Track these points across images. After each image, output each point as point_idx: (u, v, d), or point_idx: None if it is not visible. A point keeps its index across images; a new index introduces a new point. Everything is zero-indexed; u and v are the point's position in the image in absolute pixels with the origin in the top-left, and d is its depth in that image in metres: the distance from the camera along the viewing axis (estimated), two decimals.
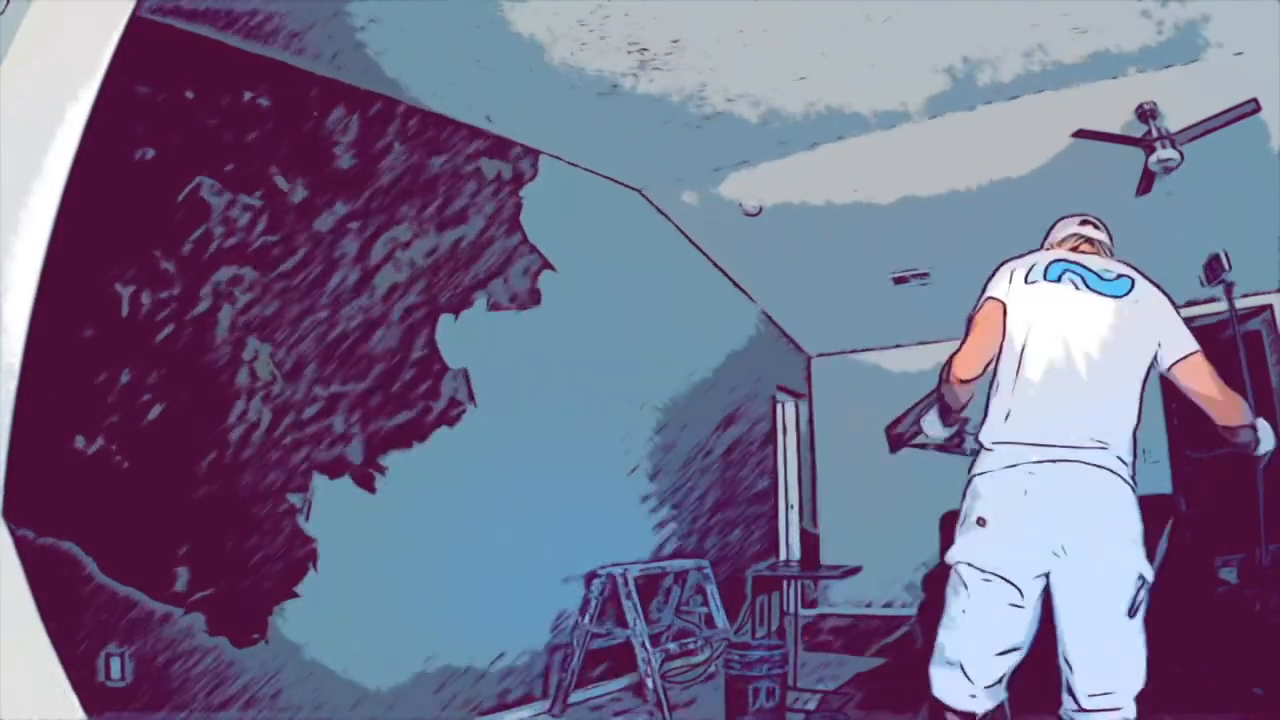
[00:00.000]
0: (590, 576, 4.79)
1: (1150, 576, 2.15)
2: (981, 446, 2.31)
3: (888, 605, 6.04)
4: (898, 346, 6.70)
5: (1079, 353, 2.25)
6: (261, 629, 3.47)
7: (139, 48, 2.06)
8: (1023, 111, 4.34)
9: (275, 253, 3.70)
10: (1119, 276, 2.38)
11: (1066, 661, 2.16)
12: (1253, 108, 3.99)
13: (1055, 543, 2.14)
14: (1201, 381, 2.26)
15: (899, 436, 2.87)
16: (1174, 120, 4.22)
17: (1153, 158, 4.24)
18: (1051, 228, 2.76)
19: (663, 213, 5.76)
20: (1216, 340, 5.32)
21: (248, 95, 3.65)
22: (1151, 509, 5.40)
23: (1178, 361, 2.27)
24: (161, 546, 3.26)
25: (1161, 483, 5.59)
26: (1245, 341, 4.43)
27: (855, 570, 5.01)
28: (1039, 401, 2.24)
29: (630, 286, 5.40)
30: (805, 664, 5.07)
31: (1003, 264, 2.49)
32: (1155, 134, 4.22)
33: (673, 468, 5.66)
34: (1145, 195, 4.47)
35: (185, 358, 3.38)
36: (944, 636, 2.30)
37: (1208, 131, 4.12)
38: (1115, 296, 2.32)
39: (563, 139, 4.84)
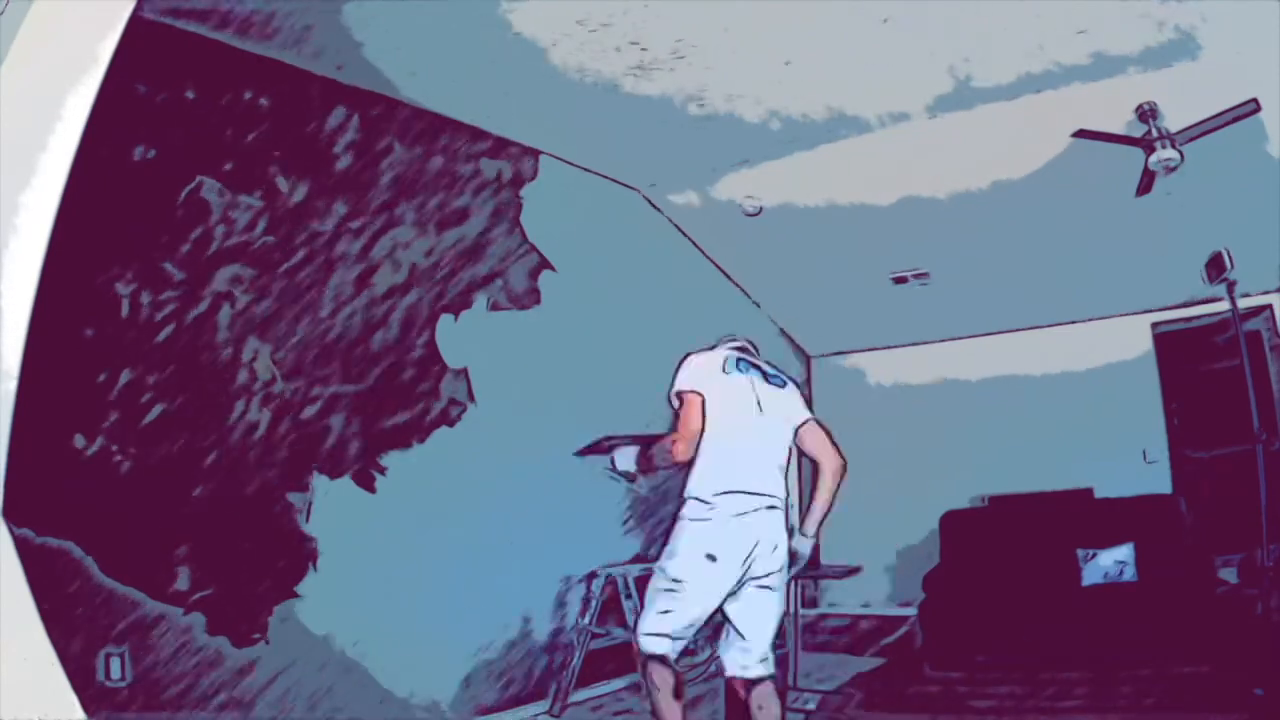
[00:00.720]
0: (590, 576, 4.79)
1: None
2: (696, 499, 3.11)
3: (888, 605, 6.03)
4: (898, 346, 6.69)
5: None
6: (261, 629, 3.47)
7: (139, 48, 2.06)
8: (1023, 111, 4.33)
9: (275, 253, 3.69)
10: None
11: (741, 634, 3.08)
12: (1253, 108, 3.98)
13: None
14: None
15: (597, 448, 3.70)
16: (1174, 120, 4.22)
17: (1153, 158, 4.24)
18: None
19: (663, 213, 5.75)
20: (1216, 340, 5.33)
21: (248, 95, 3.65)
22: (1151, 509, 5.42)
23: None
24: (161, 546, 3.26)
25: (1161, 483, 5.58)
26: (1245, 341, 4.43)
27: (855, 570, 5.00)
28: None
29: (630, 286, 5.40)
30: (805, 664, 5.07)
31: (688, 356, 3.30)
32: (1155, 134, 4.22)
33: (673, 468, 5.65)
34: (1145, 195, 4.47)
35: (185, 358, 3.38)
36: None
37: (1208, 131, 4.12)
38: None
39: (563, 139, 4.84)
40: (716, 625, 5.15)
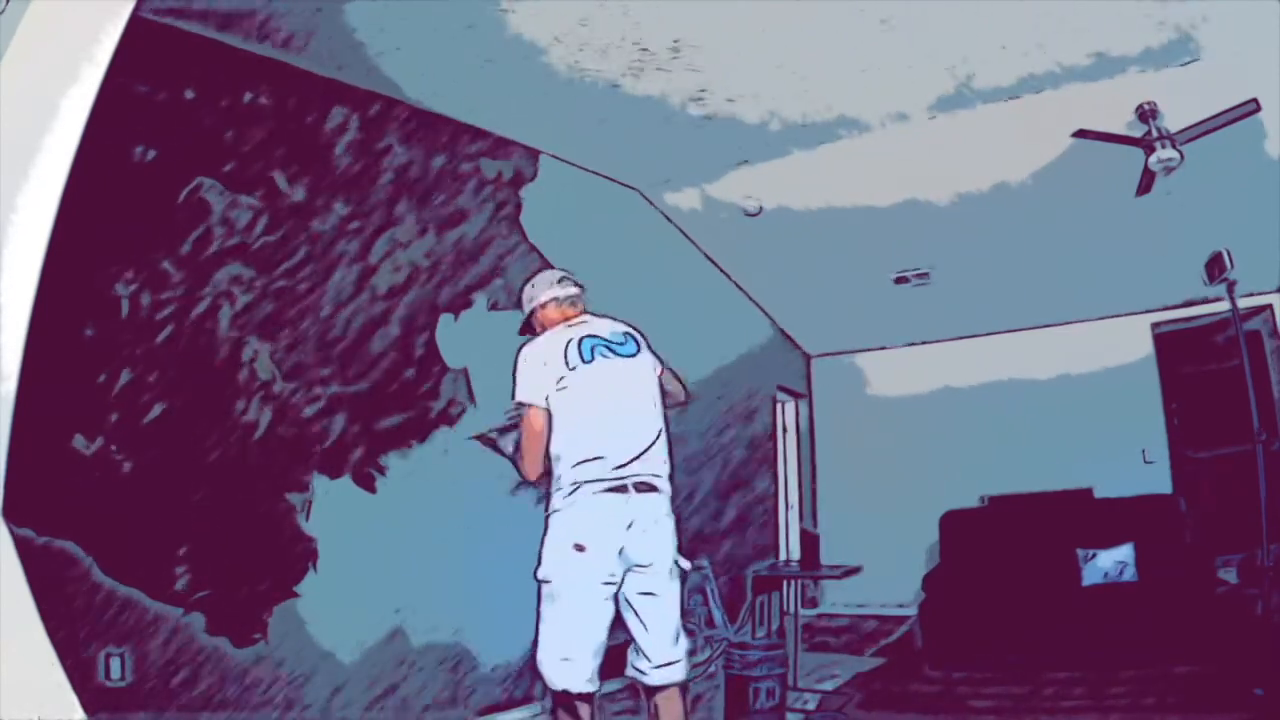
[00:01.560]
0: None
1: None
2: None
3: (888, 605, 6.04)
4: (898, 346, 6.69)
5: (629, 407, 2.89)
6: (261, 629, 3.47)
7: (139, 48, 2.06)
8: (1023, 111, 4.34)
9: (275, 253, 3.69)
10: (626, 337, 3.01)
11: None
12: (1253, 108, 3.99)
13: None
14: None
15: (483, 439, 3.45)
16: (1174, 120, 4.22)
17: (1153, 158, 4.24)
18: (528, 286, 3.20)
19: (663, 213, 5.76)
20: (1216, 340, 5.33)
21: (248, 95, 3.65)
22: (1151, 509, 5.43)
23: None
24: (161, 546, 3.26)
25: (1161, 483, 5.59)
26: (1245, 341, 4.43)
27: (855, 570, 5.00)
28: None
29: (630, 286, 5.39)
30: (805, 664, 5.07)
31: (524, 350, 2.94)
32: (1155, 134, 4.22)
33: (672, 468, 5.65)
34: (1145, 195, 4.47)
35: (185, 358, 3.38)
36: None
37: (1208, 131, 4.12)
38: (632, 356, 2.97)
39: (563, 139, 4.84)
40: (707, 617, 5.18)
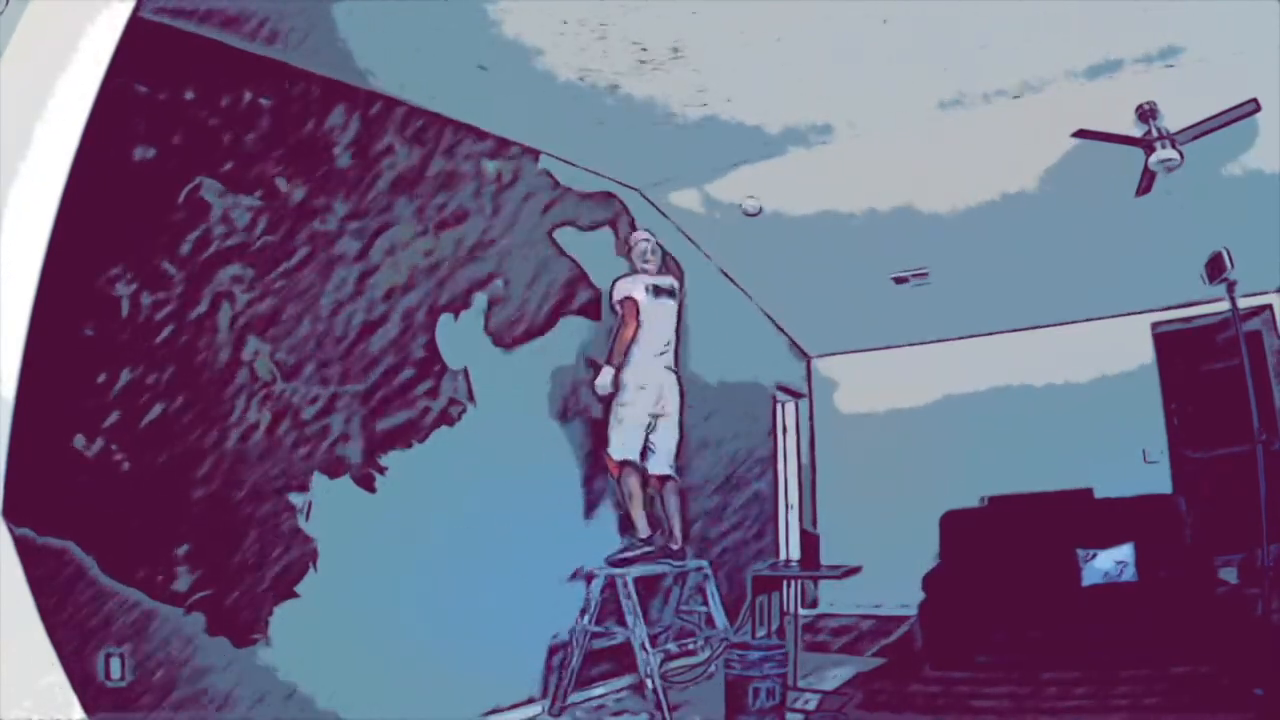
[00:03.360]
0: (590, 576, 4.79)
1: None
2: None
3: (888, 605, 6.03)
4: (898, 346, 6.69)
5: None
6: (261, 629, 3.47)
7: (139, 48, 2.06)
8: (1023, 111, 4.34)
9: (275, 253, 3.70)
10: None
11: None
12: (1253, 108, 3.99)
13: None
14: None
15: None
16: (1174, 120, 4.22)
17: (1153, 158, 4.24)
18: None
19: (663, 213, 5.76)
20: (1216, 340, 5.33)
21: (248, 95, 3.65)
22: (1151, 509, 5.43)
23: None
24: (161, 546, 3.26)
25: (1161, 483, 5.58)
26: (1245, 341, 4.43)
27: (855, 570, 5.00)
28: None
29: None
30: (805, 664, 5.07)
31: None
32: (1155, 134, 4.22)
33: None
34: (1145, 195, 4.47)
35: (185, 358, 3.38)
36: None
37: (1208, 131, 4.12)
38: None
39: (563, 139, 4.84)
40: (707, 617, 5.19)
